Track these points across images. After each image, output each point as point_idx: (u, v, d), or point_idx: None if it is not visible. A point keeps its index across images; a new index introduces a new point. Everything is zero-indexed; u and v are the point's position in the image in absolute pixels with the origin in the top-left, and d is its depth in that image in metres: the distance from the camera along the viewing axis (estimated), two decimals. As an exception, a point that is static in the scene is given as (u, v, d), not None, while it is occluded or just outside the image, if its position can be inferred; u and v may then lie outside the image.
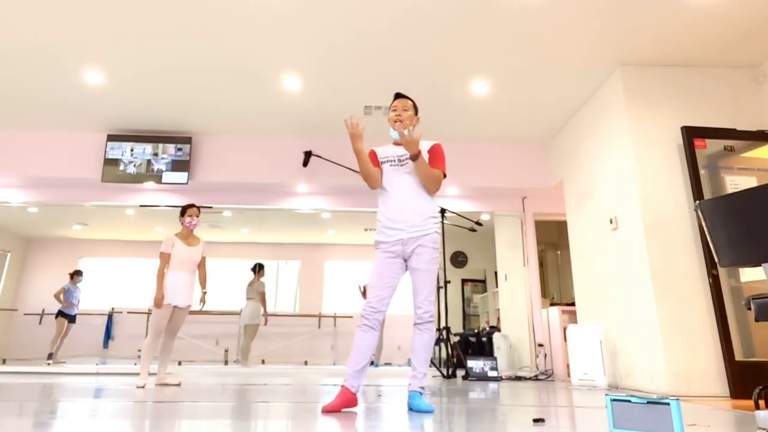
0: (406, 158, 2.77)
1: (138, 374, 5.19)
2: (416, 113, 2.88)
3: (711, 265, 3.94)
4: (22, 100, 5.36)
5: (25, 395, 3.05)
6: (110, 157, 5.92)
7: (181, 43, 4.36)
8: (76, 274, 7.63)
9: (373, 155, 2.86)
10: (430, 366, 5.49)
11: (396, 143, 2.87)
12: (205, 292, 4.42)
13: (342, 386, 2.51)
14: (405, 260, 2.69)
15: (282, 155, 6.15)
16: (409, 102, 2.86)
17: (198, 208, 4.45)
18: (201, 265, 4.44)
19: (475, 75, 4.83)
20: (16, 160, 5.93)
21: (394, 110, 2.82)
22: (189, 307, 4.33)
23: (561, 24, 4.05)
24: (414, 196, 2.72)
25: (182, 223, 4.39)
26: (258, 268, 7.33)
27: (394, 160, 2.79)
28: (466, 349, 7.98)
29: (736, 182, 4.17)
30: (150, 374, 5.03)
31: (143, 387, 3.80)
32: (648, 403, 1.78)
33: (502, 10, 3.90)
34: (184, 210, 4.39)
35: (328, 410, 2.40)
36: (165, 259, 4.22)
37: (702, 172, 4.17)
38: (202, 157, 6.11)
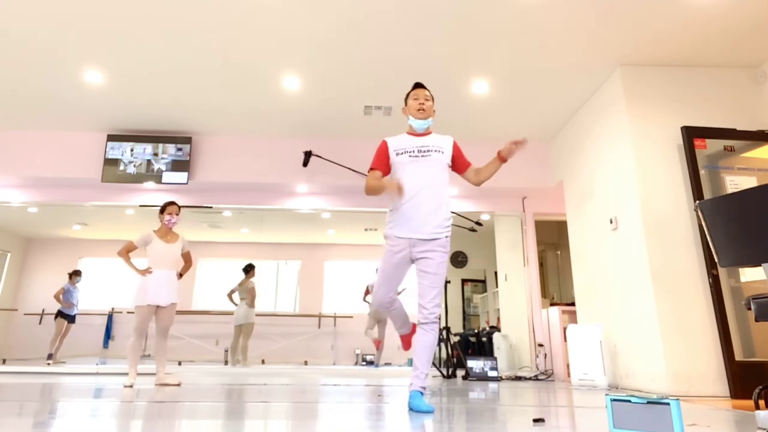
0: (429, 150, 2.65)
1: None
2: None
3: (711, 265, 3.94)
4: (22, 100, 5.36)
5: (25, 395, 3.05)
6: (110, 157, 5.92)
7: (181, 43, 4.36)
8: (74, 274, 7.62)
9: (384, 149, 2.74)
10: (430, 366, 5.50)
11: (416, 134, 2.75)
12: (182, 275, 4.32)
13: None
14: (412, 260, 2.64)
15: (282, 155, 6.15)
16: (429, 93, 2.80)
17: (179, 206, 4.32)
18: (187, 260, 4.35)
19: (475, 75, 4.83)
20: (16, 160, 5.93)
21: (416, 99, 2.74)
22: (174, 305, 4.20)
23: (561, 24, 4.05)
24: (432, 193, 2.59)
25: (161, 221, 4.27)
26: (249, 269, 7.35)
27: (413, 151, 2.66)
28: (466, 349, 7.98)
29: (736, 182, 4.17)
30: (149, 374, 5.03)
31: (131, 386, 3.78)
32: (648, 403, 1.78)
33: (502, 10, 3.90)
34: (163, 208, 4.27)
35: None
36: (130, 247, 4.20)
37: (702, 172, 4.17)
38: (202, 157, 6.11)
